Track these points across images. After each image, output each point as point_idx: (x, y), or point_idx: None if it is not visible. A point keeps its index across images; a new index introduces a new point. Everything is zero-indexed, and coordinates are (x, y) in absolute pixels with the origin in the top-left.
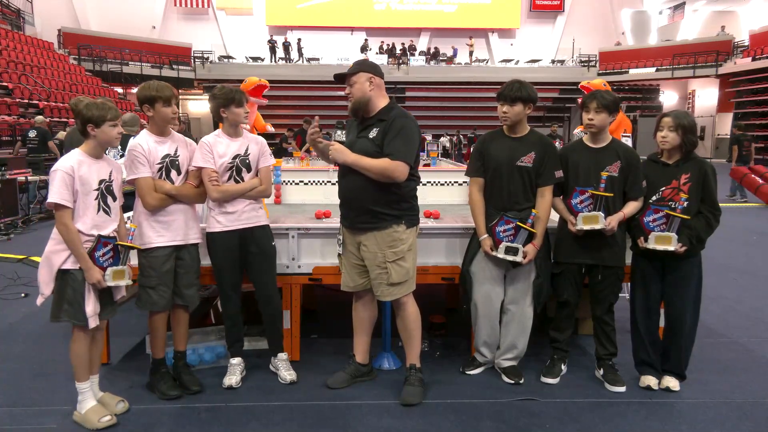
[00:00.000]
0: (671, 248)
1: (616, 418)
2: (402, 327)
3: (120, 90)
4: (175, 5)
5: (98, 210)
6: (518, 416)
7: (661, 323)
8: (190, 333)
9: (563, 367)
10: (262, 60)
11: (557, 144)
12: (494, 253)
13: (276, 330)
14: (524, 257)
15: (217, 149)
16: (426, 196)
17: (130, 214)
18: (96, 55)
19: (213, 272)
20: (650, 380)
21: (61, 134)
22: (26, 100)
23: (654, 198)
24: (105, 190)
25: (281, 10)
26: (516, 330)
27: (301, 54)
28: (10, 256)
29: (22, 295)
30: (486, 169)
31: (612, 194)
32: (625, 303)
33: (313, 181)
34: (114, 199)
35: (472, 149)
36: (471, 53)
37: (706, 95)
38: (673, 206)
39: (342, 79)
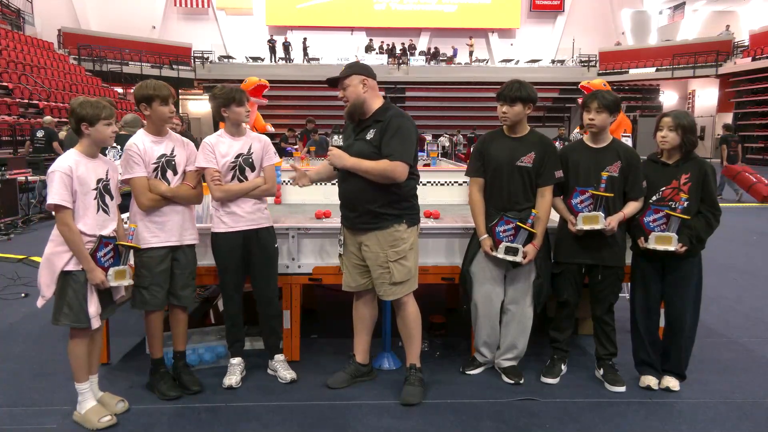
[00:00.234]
0: (671, 248)
1: (616, 418)
2: (402, 327)
3: (120, 90)
4: (175, 5)
5: (98, 210)
6: (518, 416)
7: (661, 323)
8: (189, 333)
9: (563, 367)
10: (262, 60)
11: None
12: (494, 254)
13: (274, 332)
14: (524, 257)
15: (219, 149)
16: (426, 196)
17: (126, 215)
18: (96, 55)
19: (216, 272)
20: (650, 380)
21: (61, 134)
22: (26, 100)
23: (654, 198)
24: (103, 189)
25: (281, 10)
26: (516, 330)
27: (306, 54)
28: (10, 256)
29: (22, 295)
30: (486, 169)
31: (612, 194)
32: (625, 303)
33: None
34: (111, 198)
35: (472, 149)
36: (471, 53)
37: (706, 95)
38: (673, 206)
39: (335, 83)
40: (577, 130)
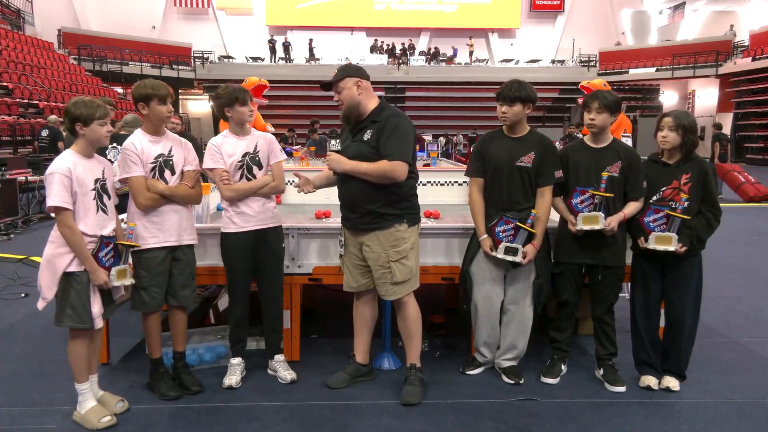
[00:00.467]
0: (671, 248)
1: (616, 418)
2: (402, 327)
3: (120, 90)
4: (175, 5)
5: (97, 210)
6: (518, 416)
7: (662, 323)
8: (189, 333)
9: (563, 367)
10: (262, 60)
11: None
12: (494, 254)
13: (276, 331)
14: (524, 257)
15: (225, 149)
16: (426, 196)
17: (124, 216)
18: (96, 55)
19: (215, 272)
20: (650, 380)
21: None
22: (26, 100)
23: (654, 198)
24: (100, 189)
25: (281, 10)
26: (516, 330)
27: (312, 54)
28: (10, 256)
29: (22, 295)
30: (486, 169)
31: (612, 194)
32: (625, 303)
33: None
34: (109, 197)
35: (471, 149)
36: (471, 53)
37: (706, 95)
38: (673, 206)
39: (329, 87)
40: (569, 130)
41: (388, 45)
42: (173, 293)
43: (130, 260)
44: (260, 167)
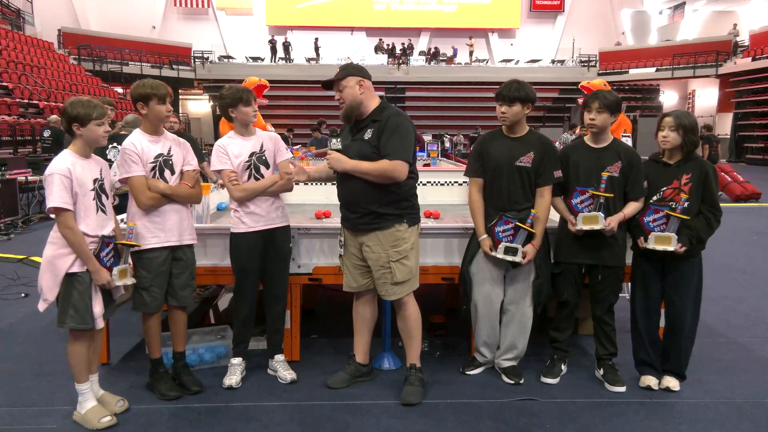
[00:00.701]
0: (670, 248)
1: (616, 418)
2: (402, 327)
3: (120, 90)
4: (175, 5)
5: (97, 210)
6: (518, 416)
7: (662, 323)
8: (189, 333)
9: (563, 367)
10: (262, 60)
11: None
12: (493, 254)
13: (279, 331)
14: (523, 257)
15: (231, 150)
16: (426, 196)
17: (123, 216)
18: (96, 55)
19: (234, 273)
20: (650, 380)
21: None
22: (26, 100)
23: (655, 198)
24: (99, 189)
25: (281, 10)
26: (516, 330)
27: (318, 54)
28: (10, 256)
29: (22, 295)
30: (485, 169)
31: (612, 194)
32: (625, 303)
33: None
34: (107, 197)
35: (471, 149)
36: (471, 53)
37: (706, 95)
38: (673, 206)
39: (330, 85)
40: (567, 133)
41: (388, 45)
42: (173, 293)
43: (130, 260)
44: (267, 166)
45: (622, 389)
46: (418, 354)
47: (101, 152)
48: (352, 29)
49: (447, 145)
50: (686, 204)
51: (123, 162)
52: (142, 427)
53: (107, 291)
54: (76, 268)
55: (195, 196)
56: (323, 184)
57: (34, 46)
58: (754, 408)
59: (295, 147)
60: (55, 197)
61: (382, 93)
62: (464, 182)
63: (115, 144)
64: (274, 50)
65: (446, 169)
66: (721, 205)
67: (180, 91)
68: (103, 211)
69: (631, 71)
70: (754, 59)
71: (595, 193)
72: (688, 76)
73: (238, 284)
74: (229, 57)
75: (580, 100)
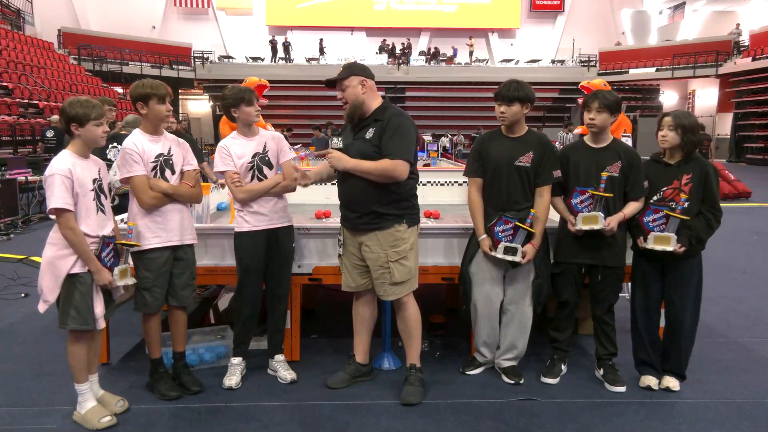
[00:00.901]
0: (669, 248)
1: (616, 418)
2: (402, 327)
3: (120, 90)
4: (175, 5)
5: (97, 210)
6: (518, 416)
7: (662, 323)
8: (189, 333)
9: (563, 367)
10: (262, 60)
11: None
12: (493, 253)
13: (279, 330)
14: (523, 257)
15: (234, 151)
16: (426, 196)
17: (124, 216)
18: (96, 55)
19: (238, 272)
20: (650, 380)
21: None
22: (26, 100)
23: (655, 198)
24: (98, 189)
25: (281, 10)
26: (516, 330)
27: (323, 53)
28: (10, 256)
29: (22, 295)
30: (485, 169)
31: (612, 194)
32: (625, 303)
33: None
34: (105, 197)
35: (470, 149)
36: (471, 53)
37: (706, 95)
38: (673, 206)
39: (333, 84)
40: (563, 132)
41: (388, 45)
42: (174, 293)
43: (131, 260)
44: (270, 167)
45: (622, 389)
46: (418, 354)
47: (101, 152)
48: (352, 29)
49: (447, 145)
50: (686, 204)
51: (124, 162)
52: (142, 427)
53: (107, 291)
54: (77, 269)
55: (196, 196)
56: (323, 184)
57: (34, 46)
58: (754, 408)
59: (295, 147)
60: (57, 198)
61: (383, 93)
62: (464, 182)
63: (115, 144)
64: (274, 50)
65: (446, 169)
66: (722, 205)
67: (180, 91)
68: (103, 212)
69: (631, 71)
70: (754, 59)
71: (594, 193)
72: (688, 76)
73: (241, 284)
74: (229, 57)
75: (580, 100)
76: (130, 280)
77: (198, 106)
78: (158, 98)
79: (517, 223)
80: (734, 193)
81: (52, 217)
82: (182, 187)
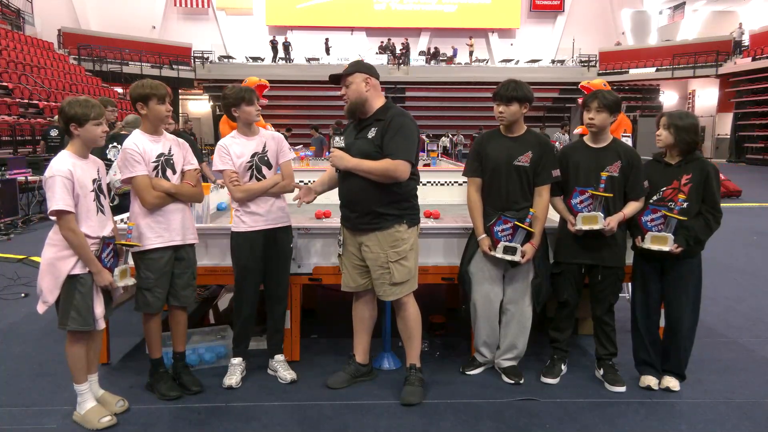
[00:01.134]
0: (666, 248)
1: (616, 418)
2: (402, 327)
3: (120, 90)
4: (175, 5)
5: (97, 211)
6: (518, 416)
7: (662, 323)
8: (189, 333)
9: (563, 367)
10: (262, 60)
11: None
12: (492, 253)
13: (278, 330)
14: (522, 257)
15: (233, 150)
16: (426, 196)
17: (125, 216)
18: (96, 55)
19: (235, 272)
20: (650, 380)
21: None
22: (26, 100)
23: (655, 198)
24: (98, 189)
25: (281, 10)
26: (515, 330)
27: (328, 53)
28: (10, 256)
29: (22, 295)
30: (484, 169)
31: (612, 194)
32: (625, 303)
33: (313, 181)
34: (105, 197)
35: (469, 149)
36: (471, 53)
37: (706, 95)
38: (671, 206)
39: (337, 80)
40: (558, 132)
41: (392, 44)
42: (175, 293)
43: (131, 260)
44: (269, 167)
45: (622, 389)
46: (418, 354)
47: (100, 152)
48: (352, 29)
49: (447, 145)
50: (684, 204)
51: (126, 162)
52: (142, 427)
53: (106, 291)
54: (77, 270)
55: (198, 195)
56: None
57: (34, 46)
58: (754, 408)
59: (296, 148)
60: (58, 200)
61: (382, 93)
62: (464, 182)
63: (115, 144)
64: (275, 50)
65: (446, 169)
66: (722, 205)
67: (180, 91)
68: (102, 212)
69: (631, 71)
70: (754, 59)
71: (594, 193)
72: (688, 76)
73: (239, 284)
74: (229, 57)
75: (580, 100)
76: (131, 281)
77: (198, 106)
78: (158, 98)
79: (516, 222)
80: (724, 192)
81: (53, 218)
82: (184, 187)
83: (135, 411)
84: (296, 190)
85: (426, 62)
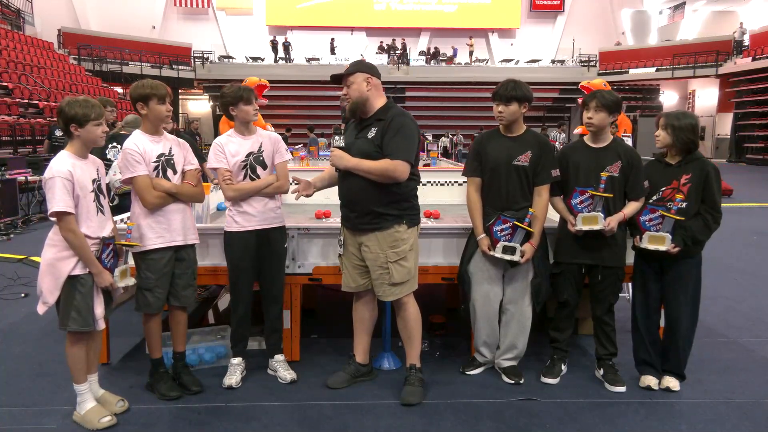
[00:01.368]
0: (663, 248)
1: (616, 418)
2: (402, 327)
3: (120, 90)
4: (175, 5)
5: (97, 212)
6: (518, 416)
7: (662, 323)
8: (189, 333)
9: (563, 367)
10: (262, 60)
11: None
12: (492, 253)
13: (276, 330)
14: (521, 256)
15: (229, 148)
16: (426, 196)
17: (125, 216)
18: (96, 55)
19: (228, 272)
20: (650, 380)
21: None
22: (26, 100)
23: (654, 198)
24: (98, 190)
25: (281, 10)
26: (515, 329)
27: (333, 53)
28: (10, 256)
29: (22, 295)
30: (483, 169)
31: (612, 195)
32: (625, 303)
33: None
34: (105, 197)
35: (469, 149)
36: (471, 53)
37: (706, 95)
38: (669, 206)
39: (339, 79)
40: (555, 131)
41: (388, 45)
42: (175, 294)
43: (131, 260)
44: (264, 167)
45: (622, 389)
46: (418, 354)
47: (100, 152)
48: (352, 29)
49: (447, 145)
50: (682, 204)
51: (126, 163)
52: (142, 427)
53: (107, 292)
54: (78, 271)
55: (199, 195)
56: None
57: (34, 46)
58: (754, 408)
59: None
60: (58, 201)
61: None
62: (464, 182)
63: (114, 144)
64: (275, 50)
65: (446, 169)
66: (722, 205)
67: (180, 91)
68: (102, 212)
69: (631, 71)
70: (754, 59)
71: (594, 193)
72: (688, 76)
73: (232, 283)
74: (229, 57)
75: (581, 100)
76: (131, 281)
77: (198, 106)
78: (158, 98)
79: (515, 222)
80: None
81: (53, 219)
82: (185, 187)
83: (135, 411)
84: (294, 185)
85: (426, 62)
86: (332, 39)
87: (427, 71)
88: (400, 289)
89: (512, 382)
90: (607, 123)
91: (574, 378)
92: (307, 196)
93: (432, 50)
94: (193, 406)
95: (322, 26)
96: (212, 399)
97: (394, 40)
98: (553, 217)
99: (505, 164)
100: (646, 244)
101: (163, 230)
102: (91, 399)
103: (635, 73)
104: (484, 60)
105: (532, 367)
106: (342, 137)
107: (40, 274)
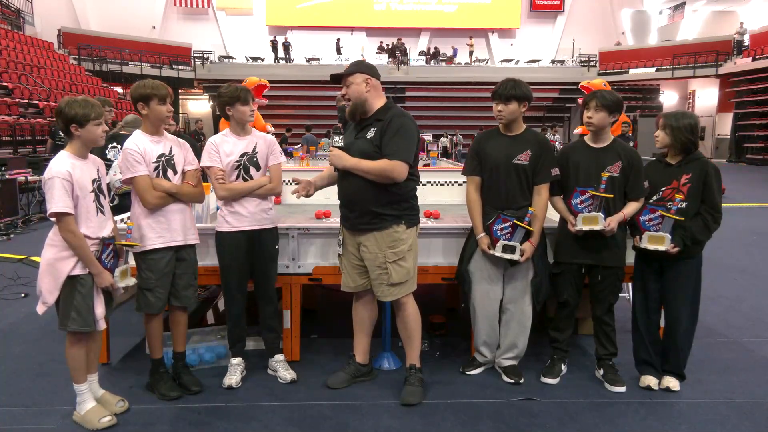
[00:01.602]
0: (662, 248)
1: (616, 418)
2: (402, 327)
3: (120, 90)
4: (175, 5)
5: (97, 212)
6: (518, 416)
7: (662, 323)
8: (189, 333)
9: (563, 367)
10: (262, 60)
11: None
12: (491, 252)
13: (272, 330)
14: (521, 255)
15: (223, 148)
16: (426, 196)
17: (125, 216)
18: (96, 55)
19: (220, 271)
20: (650, 380)
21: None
22: (26, 100)
23: (654, 198)
24: (97, 190)
25: (281, 10)
26: (516, 329)
27: (339, 53)
28: (10, 256)
29: (22, 295)
30: (483, 168)
31: (612, 195)
32: (625, 303)
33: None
34: (104, 197)
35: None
36: (471, 53)
37: (706, 95)
38: (669, 206)
39: (338, 80)
40: (550, 132)
41: (388, 45)
42: (176, 294)
43: (131, 260)
44: (258, 168)
45: (622, 389)
46: (418, 354)
47: (100, 152)
48: (352, 29)
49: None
50: (682, 204)
51: (127, 163)
52: (142, 427)
53: (107, 292)
54: (77, 271)
55: (199, 195)
56: None
57: (34, 46)
58: (754, 408)
59: (296, 148)
60: (57, 201)
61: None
62: (464, 182)
63: (114, 144)
64: (275, 50)
65: (446, 169)
66: (722, 205)
67: (180, 91)
68: (102, 212)
69: (631, 71)
70: (754, 59)
71: (595, 193)
72: (688, 76)
73: (225, 283)
74: (229, 57)
75: (581, 100)
76: (131, 281)
77: (198, 106)
78: (159, 99)
79: (515, 221)
80: None
81: (53, 220)
82: (185, 187)
83: (135, 411)
84: (294, 185)
85: (426, 62)
86: (338, 39)
87: (427, 71)
88: (398, 289)
89: (512, 381)
90: (607, 123)
91: (574, 378)
92: (308, 195)
93: (432, 50)
94: (193, 406)
95: (322, 26)
96: (212, 399)
97: (398, 40)
98: (553, 216)
99: (504, 163)
100: (646, 244)
101: (163, 230)
102: (91, 399)
103: (635, 73)
104: (484, 60)
105: (532, 367)
106: (341, 137)
107: (39, 274)
